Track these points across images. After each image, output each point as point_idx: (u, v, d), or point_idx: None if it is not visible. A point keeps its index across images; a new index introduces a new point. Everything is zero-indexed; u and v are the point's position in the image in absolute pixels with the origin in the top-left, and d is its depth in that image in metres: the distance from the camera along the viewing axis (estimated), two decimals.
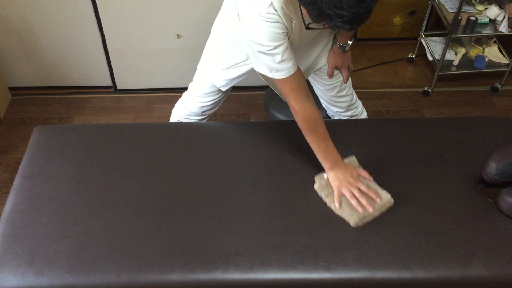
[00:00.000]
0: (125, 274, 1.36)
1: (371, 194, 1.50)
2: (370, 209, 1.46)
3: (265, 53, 1.43)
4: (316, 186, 1.57)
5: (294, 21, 1.41)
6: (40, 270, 1.35)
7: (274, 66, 1.45)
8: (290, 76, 1.47)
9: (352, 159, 1.63)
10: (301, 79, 1.53)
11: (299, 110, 1.52)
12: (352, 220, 1.46)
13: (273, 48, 1.41)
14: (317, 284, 1.38)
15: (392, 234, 1.45)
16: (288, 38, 1.45)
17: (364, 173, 1.56)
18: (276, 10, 1.34)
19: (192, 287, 1.37)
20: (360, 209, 1.47)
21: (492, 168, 1.51)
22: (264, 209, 1.52)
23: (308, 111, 1.52)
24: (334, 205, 1.50)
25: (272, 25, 1.37)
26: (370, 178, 1.55)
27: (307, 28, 1.31)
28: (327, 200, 1.52)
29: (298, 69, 1.50)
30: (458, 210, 1.52)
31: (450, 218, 1.49)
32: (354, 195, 1.50)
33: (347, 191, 1.51)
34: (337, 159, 1.56)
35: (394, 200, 1.52)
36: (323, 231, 1.46)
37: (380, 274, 1.37)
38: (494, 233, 1.46)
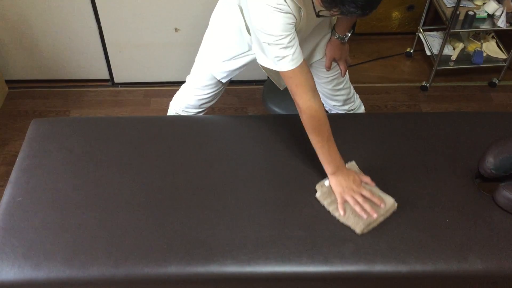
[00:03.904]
0: (122, 266, 1.36)
1: (375, 199, 1.46)
2: (375, 215, 1.43)
3: (272, 44, 1.39)
4: (318, 195, 1.52)
5: (302, 12, 1.41)
6: (38, 263, 1.35)
7: (280, 57, 1.41)
8: (296, 68, 1.42)
9: (353, 164, 1.58)
10: (308, 75, 1.47)
11: (304, 107, 1.46)
12: (358, 227, 1.42)
13: (281, 39, 1.37)
14: (314, 277, 1.39)
15: (389, 227, 1.46)
16: (296, 29, 1.44)
17: (367, 179, 1.52)
18: (285, 1, 1.34)
19: (190, 280, 1.38)
20: (364, 216, 1.43)
21: (490, 162, 1.51)
22: (262, 203, 1.52)
23: (314, 109, 1.45)
24: (338, 213, 1.46)
25: (282, 16, 1.35)
26: (373, 183, 1.51)
27: (318, 15, 1.28)
28: (330, 209, 1.48)
29: (305, 64, 1.45)
30: (455, 204, 1.52)
31: (447, 212, 1.50)
32: (357, 202, 1.46)
33: (350, 198, 1.46)
34: (339, 164, 1.50)
35: (392, 195, 1.52)
36: (320, 224, 1.46)
37: (377, 268, 1.37)
38: (491, 227, 1.46)
